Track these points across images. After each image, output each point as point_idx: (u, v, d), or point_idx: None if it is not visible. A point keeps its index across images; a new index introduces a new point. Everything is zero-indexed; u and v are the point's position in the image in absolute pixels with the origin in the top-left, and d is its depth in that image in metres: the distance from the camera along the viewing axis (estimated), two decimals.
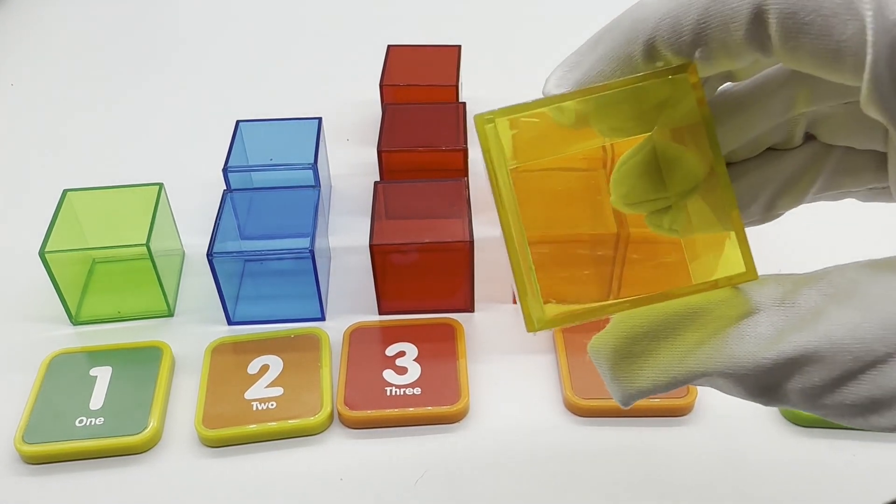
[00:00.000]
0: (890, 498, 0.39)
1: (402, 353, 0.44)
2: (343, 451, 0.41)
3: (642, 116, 0.25)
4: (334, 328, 0.47)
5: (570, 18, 0.77)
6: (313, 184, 0.50)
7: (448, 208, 0.47)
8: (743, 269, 0.23)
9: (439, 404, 0.42)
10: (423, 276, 0.47)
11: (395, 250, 0.45)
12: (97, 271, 0.50)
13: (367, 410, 0.42)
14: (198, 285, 0.50)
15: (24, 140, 0.63)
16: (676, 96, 0.24)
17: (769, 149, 0.26)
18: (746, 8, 0.20)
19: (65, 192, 0.48)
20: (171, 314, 0.48)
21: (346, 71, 0.69)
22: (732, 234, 0.23)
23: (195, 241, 0.52)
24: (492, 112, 0.23)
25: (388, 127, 0.53)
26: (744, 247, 0.23)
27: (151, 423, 0.41)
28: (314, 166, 0.50)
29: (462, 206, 0.47)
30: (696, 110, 0.23)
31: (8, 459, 0.41)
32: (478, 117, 0.24)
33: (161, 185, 0.49)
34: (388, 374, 0.43)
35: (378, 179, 0.52)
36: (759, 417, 0.42)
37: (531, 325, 0.23)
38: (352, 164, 0.59)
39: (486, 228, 0.53)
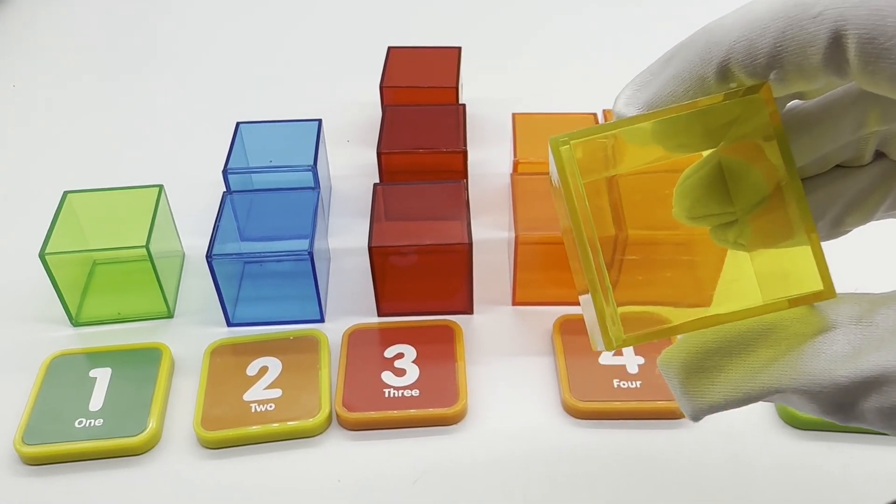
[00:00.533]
0: (889, 499, 0.39)
1: (400, 355, 0.45)
2: (341, 452, 0.41)
3: (710, 133, 0.25)
4: (333, 330, 0.47)
5: (569, 21, 0.77)
6: (313, 185, 0.50)
7: (447, 210, 0.47)
8: (821, 287, 0.23)
9: (437, 406, 0.42)
10: (422, 278, 0.47)
11: (394, 252, 0.45)
12: (98, 272, 0.50)
13: (366, 412, 0.42)
14: (198, 287, 0.50)
15: (24, 141, 0.63)
16: (746, 114, 0.24)
17: (838, 166, 0.26)
18: (825, 33, 0.20)
19: (65, 193, 0.48)
20: (170, 315, 0.48)
21: (347, 72, 0.70)
22: (807, 249, 0.23)
23: (196, 242, 0.52)
24: (567, 135, 0.24)
25: (387, 129, 0.53)
26: (821, 264, 0.23)
27: (150, 425, 0.41)
28: (314, 168, 0.50)
29: (461, 208, 0.47)
30: (766, 127, 0.23)
31: (7, 460, 0.41)
32: (553, 140, 0.24)
33: (161, 187, 0.49)
34: (387, 376, 0.43)
35: (378, 181, 0.52)
36: (756, 419, 0.42)
37: (609, 344, 0.24)
38: (352, 166, 0.59)
39: (485, 230, 0.53)
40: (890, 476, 0.39)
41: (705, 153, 0.27)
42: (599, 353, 0.44)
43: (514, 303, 0.48)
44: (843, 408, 0.22)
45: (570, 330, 0.45)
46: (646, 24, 0.75)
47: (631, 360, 0.44)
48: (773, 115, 0.23)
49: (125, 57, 0.74)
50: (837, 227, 0.27)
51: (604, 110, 0.56)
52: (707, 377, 0.24)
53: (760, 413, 0.42)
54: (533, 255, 0.46)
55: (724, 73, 0.23)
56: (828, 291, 0.23)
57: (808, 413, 0.23)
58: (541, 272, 0.47)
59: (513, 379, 0.44)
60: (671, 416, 0.42)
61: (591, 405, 0.42)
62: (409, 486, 0.39)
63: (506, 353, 0.46)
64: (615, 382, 0.43)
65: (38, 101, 0.68)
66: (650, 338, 0.24)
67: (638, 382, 0.43)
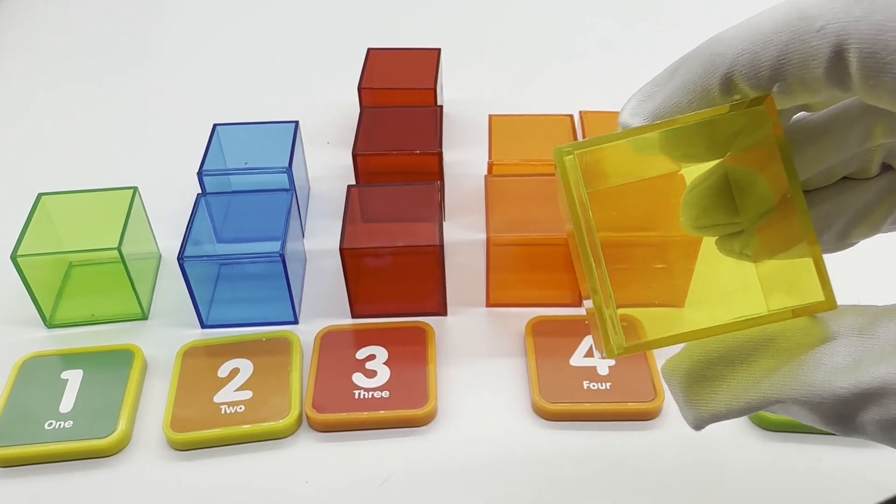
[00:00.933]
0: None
1: (372, 357, 0.45)
2: (310, 454, 0.41)
3: (715, 145, 0.26)
4: (307, 331, 0.47)
5: (549, 23, 0.77)
6: (287, 187, 0.50)
7: (420, 212, 0.47)
8: (822, 298, 0.23)
9: (407, 407, 0.42)
10: (395, 279, 0.47)
11: (366, 254, 0.46)
12: (73, 275, 0.50)
13: (335, 413, 0.42)
14: (173, 288, 0.50)
15: None
16: (751, 126, 0.24)
17: (844, 178, 0.26)
18: (827, 46, 0.21)
19: (39, 195, 0.48)
20: (144, 317, 0.48)
21: (328, 74, 0.70)
22: (809, 261, 0.23)
23: (173, 244, 0.52)
24: (571, 144, 0.25)
25: (364, 130, 0.53)
26: (822, 276, 0.23)
27: (120, 427, 0.41)
28: (289, 170, 0.50)
29: (434, 209, 0.47)
30: (771, 139, 0.24)
31: None
32: (557, 150, 0.25)
33: (135, 189, 0.49)
34: (358, 378, 0.43)
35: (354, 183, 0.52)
36: (726, 421, 0.41)
37: (611, 352, 0.24)
38: (331, 167, 0.59)
39: (461, 232, 0.53)
40: (857, 477, 0.39)
41: (711, 164, 0.27)
42: (570, 354, 0.44)
43: (488, 304, 0.48)
44: (844, 419, 0.22)
45: (542, 331, 0.45)
46: (624, 28, 0.75)
47: (602, 361, 0.44)
48: (776, 126, 0.23)
49: (102, 59, 0.74)
50: (843, 240, 0.27)
51: (580, 112, 0.56)
52: (709, 386, 0.24)
53: None
54: (505, 257, 0.46)
55: (727, 85, 0.23)
56: (829, 303, 0.23)
57: (809, 423, 0.23)
58: (514, 273, 0.47)
59: (484, 380, 0.44)
60: (641, 417, 0.42)
61: (561, 407, 0.42)
62: (376, 487, 0.39)
63: (478, 355, 0.46)
64: (585, 384, 0.43)
65: (12, 103, 0.68)
66: (650, 346, 0.24)
67: (608, 384, 0.42)
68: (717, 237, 0.28)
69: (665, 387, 0.42)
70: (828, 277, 0.23)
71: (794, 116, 0.26)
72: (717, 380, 0.24)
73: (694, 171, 0.28)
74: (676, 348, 0.25)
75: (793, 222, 0.24)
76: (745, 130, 0.25)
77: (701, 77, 0.23)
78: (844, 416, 0.22)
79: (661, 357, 0.43)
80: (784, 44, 0.21)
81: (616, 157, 0.26)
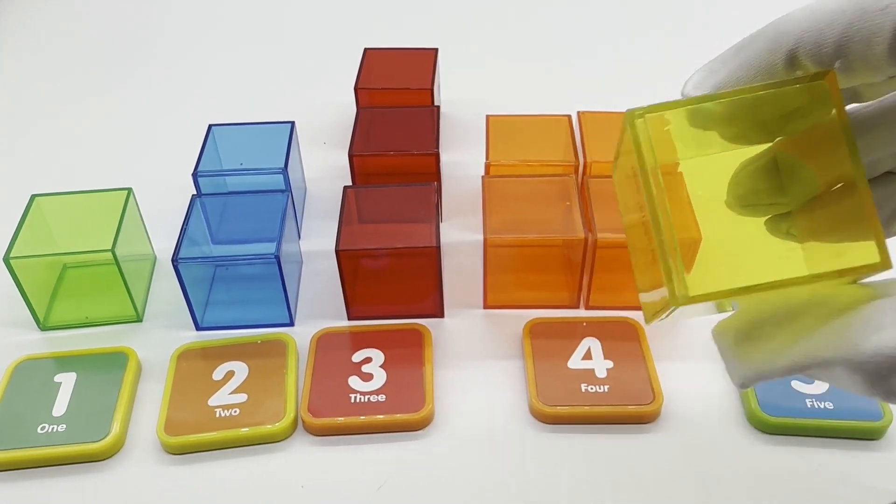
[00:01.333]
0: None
1: (368, 360, 0.44)
2: (305, 458, 0.41)
3: (766, 126, 0.27)
4: (303, 333, 0.46)
5: (547, 24, 0.76)
6: (283, 188, 0.50)
7: (416, 213, 0.47)
8: (878, 260, 0.24)
9: (403, 411, 0.41)
10: (392, 281, 0.46)
11: (361, 255, 0.45)
12: (67, 276, 0.50)
13: (331, 417, 0.41)
14: (169, 290, 0.49)
15: None
16: (809, 105, 0.25)
17: (888, 172, 0.27)
18: (890, 24, 0.21)
19: (33, 196, 0.48)
20: (139, 319, 0.48)
21: (324, 74, 0.69)
22: (863, 227, 0.24)
23: (169, 245, 0.51)
24: (641, 108, 0.26)
25: (360, 131, 0.53)
26: (879, 237, 0.24)
27: (113, 430, 0.41)
28: (284, 171, 0.50)
29: (430, 210, 0.46)
30: (826, 120, 0.25)
31: None
32: (629, 112, 0.26)
33: (129, 190, 0.49)
34: (354, 381, 0.43)
35: (351, 183, 0.51)
36: (724, 424, 0.41)
37: (674, 300, 0.25)
38: (327, 168, 0.59)
39: (457, 233, 0.53)
40: (857, 481, 0.39)
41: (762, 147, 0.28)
42: (568, 356, 0.44)
43: (485, 306, 0.48)
44: (887, 381, 0.22)
45: (540, 333, 0.45)
46: (621, 27, 0.75)
47: (599, 364, 0.43)
48: (837, 99, 0.24)
49: (97, 60, 0.73)
50: (886, 229, 0.27)
51: (578, 112, 0.56)
52: (756, 346, 0.25)
53: (728, 416, 0.42)
54: (501, 258, 0.45)
55: (791, 60, 0.24)
56: (885, 263, 0.24)
57: (850, 389, 0.23)
58: (511, 275, 0.47)
59: (481, 383, 0.44)
60: (639, 420, 0.41)
61: (559, 410, 0.41)
62: (373, 492, 0.39)
63: (475, 357, 0.45)
64: (583, 387, 0.42)
65: (5, 104, 0.68)
66: (712, 298, 0.25)
67: (606, 386, 0.42)
68: (766, 218, 0.29)
69: (662, 390, 0.42)
70: (883, 238, 0.24)
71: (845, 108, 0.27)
72: (765, 339, 0.25)
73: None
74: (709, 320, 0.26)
75: (849, 201, 0.25)
76: (801, 111, 0.26)
77: (767, 52, 0.24)
78: (889, 377, 0.22)
79: (661, 351, 0.43)
80: (849, 22, 0.22)
81: (672, 134, 0.27)
